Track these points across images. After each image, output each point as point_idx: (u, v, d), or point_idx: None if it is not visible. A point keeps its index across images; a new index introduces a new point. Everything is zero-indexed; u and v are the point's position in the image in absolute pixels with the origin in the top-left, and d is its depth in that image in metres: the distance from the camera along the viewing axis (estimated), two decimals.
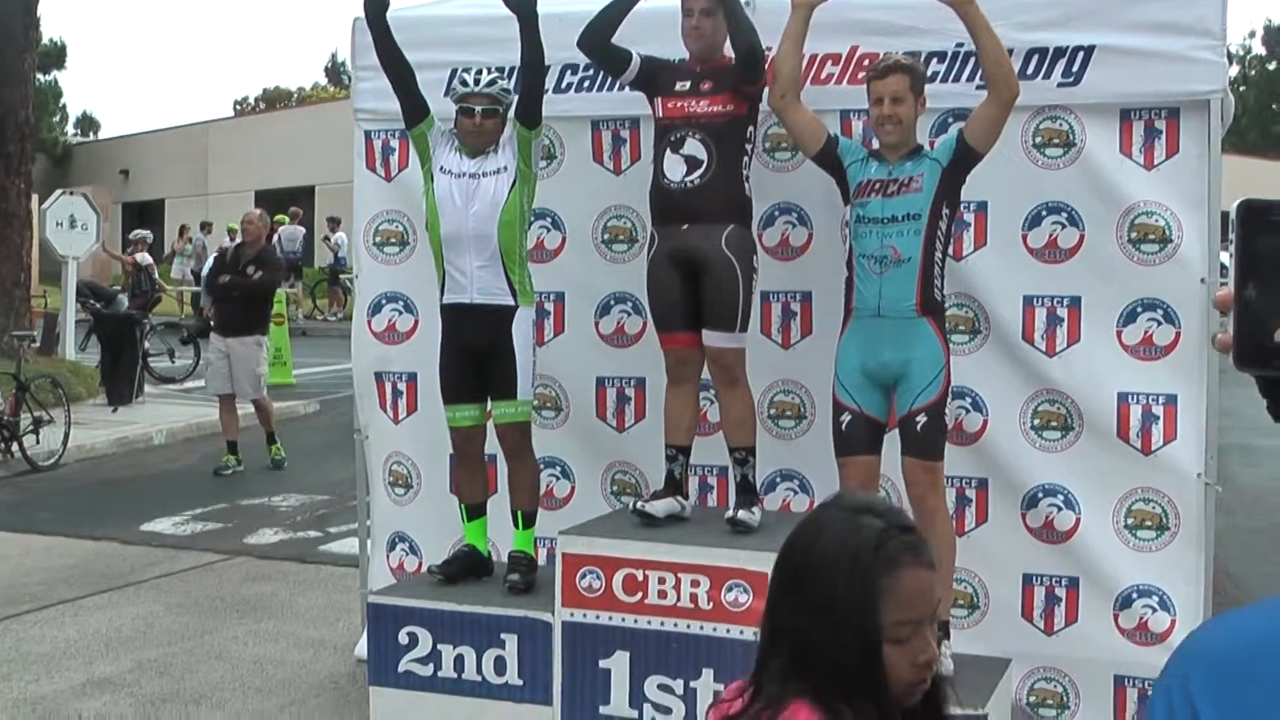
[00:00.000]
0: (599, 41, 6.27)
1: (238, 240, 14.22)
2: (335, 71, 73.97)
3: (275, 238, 32.45)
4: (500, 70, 6.52)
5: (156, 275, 22.96)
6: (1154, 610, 6.20)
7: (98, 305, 19.01)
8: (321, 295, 33.34)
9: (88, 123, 70.01)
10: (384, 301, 7.42)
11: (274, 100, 66.33)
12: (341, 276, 32.56)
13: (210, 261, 14.99)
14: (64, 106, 57.23)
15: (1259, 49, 64.25)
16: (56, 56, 50.32)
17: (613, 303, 7.10)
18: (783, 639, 2.41)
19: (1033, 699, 6.44)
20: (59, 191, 19.58)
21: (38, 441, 13.74)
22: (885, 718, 2.33)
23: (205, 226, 35.18)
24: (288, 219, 32.90)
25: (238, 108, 69.18)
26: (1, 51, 18.65)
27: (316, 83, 71.71)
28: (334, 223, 32.56)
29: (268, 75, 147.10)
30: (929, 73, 6.09)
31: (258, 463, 13.80)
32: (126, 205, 46.54)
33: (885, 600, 2.31)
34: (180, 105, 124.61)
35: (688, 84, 6.18)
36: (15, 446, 13.55)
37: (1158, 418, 6.20)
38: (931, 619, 2.40)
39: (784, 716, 2.31)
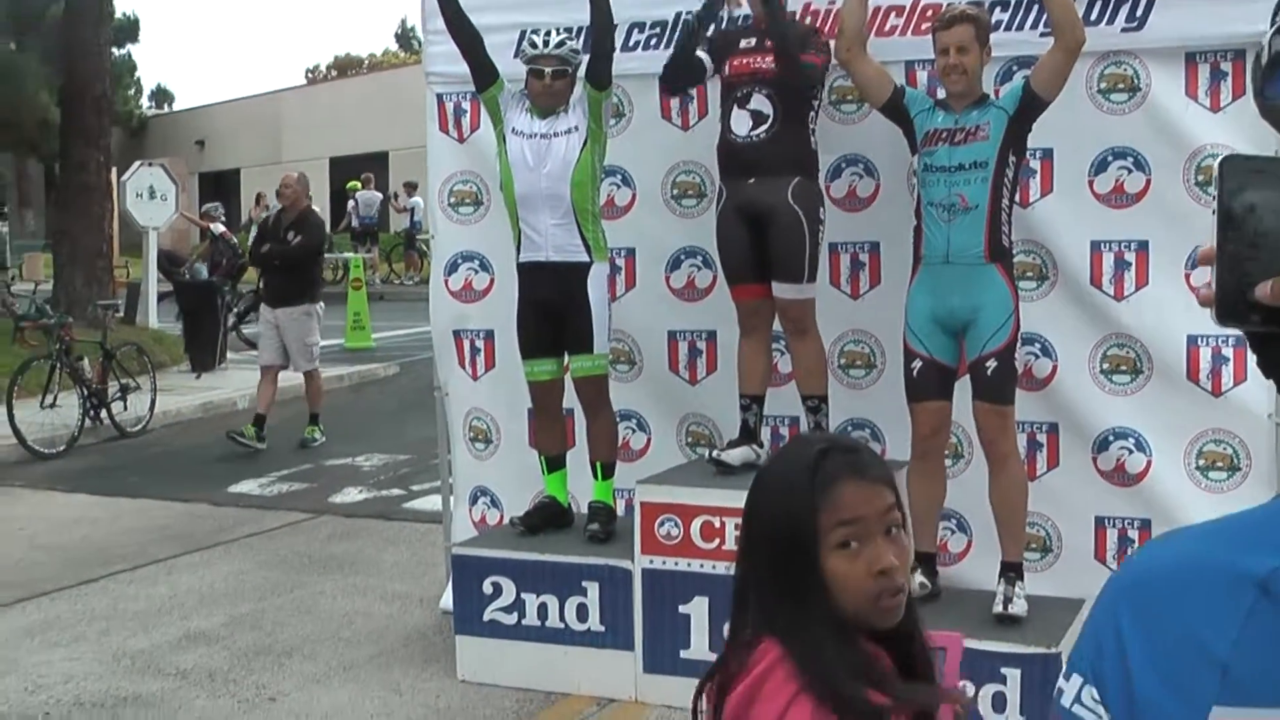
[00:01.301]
0: (680, 79, 6.48)
1: (277, 206, 13.76)
2: (405, 37, 74.08)
3: (351, 203, 32.76)
4: (568, 30, 6.62)
5: (235, 241, 23.18)
6: None
7: (183, 274, 19.32)
8: (398, 259, 33.57)
9: (162, 95, 70.58)
10: (460, 261, 7.56)
11: (345, 67, 66.67)
12: (417, 240, 32.74)
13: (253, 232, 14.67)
14: (138, 80, 57.80)
15: None
16: (130, 30, 50.73)
17: (683, 257, 7.19)
18: (746, 585, 2.38)
19: None
20: (138, 163, 19.91)
21: (125, 408, 14.03)
22: (844, 637, 2.27)
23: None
24: (360, 184, 33.15)
25: (309, 76, 69.61)
26: (76, 26, 18.94)
27: (387, 49, 72.00)
28: (410, 186, 32.72)
29: (339, 43, 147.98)
30: (992, 21, 6.13)
31: (346, 418, 13.99)
32: (203, 175, 47.03)
33: (822, 509, 2.26)
34: (253, 75, 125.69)
35: (753, 41, 6.27)
36: (104, 413, 13.83)
37: (1227, 359, 6.24)
38: (886, 529, 2.31)
39: (753, 659, 2.27)
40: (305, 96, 49.34)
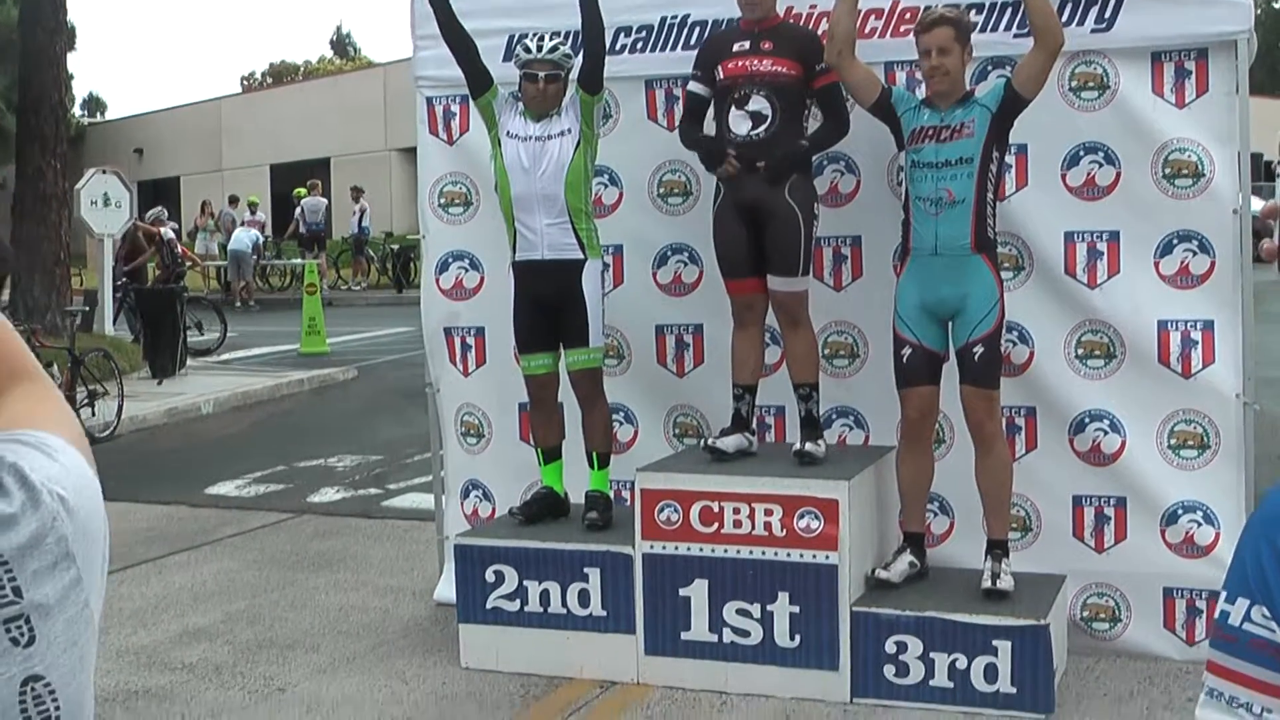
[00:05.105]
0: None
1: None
2: (341, 44, 74.23)
3: (298, 209, 32.78)
4: (559, 34, 6.81)
5: (179, 249, 23.17)
6: (1199, 524, 6.55)
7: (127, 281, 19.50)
8: (345, 265, 33.63)
9: (95, 103, 70.35)
10: (451, 260, 7.75)
11: (281, 75, 66.58)
12: (365, 245, 32.88)
13: None
14: (73, 88, 57.51)
15: None
16: (68, 38, 50.67)
17: (670, 253, 7.42)
18: None
19: (1086, 614, 6.77)
20: (92, 170, 19.77)
21: (93, 414, 14.06)
22: None
23: (233, 200, 35.48)
24: (306, 191, 33.16)
25: (245, 83, 69.48)
26: (34, 34, 18.91)
27: (323, 55, 71.97)
28: (357, 192, 32.85)
29: (273, 50, 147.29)
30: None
31: (312, 421, 14.06)
32: (141, 184, 46.71)
33: None
34: (186, 83, 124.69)
35: (746, 44, 6.47)
36: None
37: (1196, 342, 6.54)
38: None
39: None
40: (245, 104, 49.33)
